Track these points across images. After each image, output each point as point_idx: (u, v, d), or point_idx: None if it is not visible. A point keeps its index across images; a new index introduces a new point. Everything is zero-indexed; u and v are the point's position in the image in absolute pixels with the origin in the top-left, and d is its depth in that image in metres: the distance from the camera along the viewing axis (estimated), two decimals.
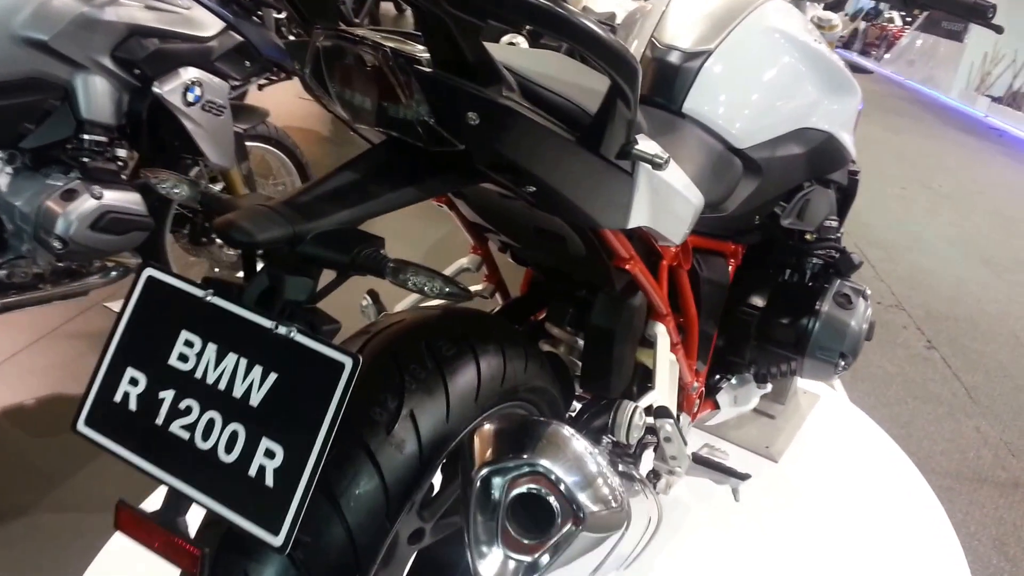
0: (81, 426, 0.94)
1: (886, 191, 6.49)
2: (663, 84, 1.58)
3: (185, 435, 0.89)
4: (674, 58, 1.61)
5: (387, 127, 1.01)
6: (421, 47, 0.98)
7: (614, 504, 1.03)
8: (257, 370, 0.88)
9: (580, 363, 1.53)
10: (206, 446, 0.88)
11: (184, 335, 0.92)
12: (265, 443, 0.86)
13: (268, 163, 3.04)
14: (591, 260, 1.29)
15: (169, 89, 2.27)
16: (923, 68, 12.93)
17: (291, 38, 2.94)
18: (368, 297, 1.53)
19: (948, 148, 9.37)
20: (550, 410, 1.35)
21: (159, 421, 0.90)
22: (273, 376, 0.88)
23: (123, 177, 2.32)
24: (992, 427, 3.38)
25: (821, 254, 1.88)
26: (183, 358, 0.91)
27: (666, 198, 1.21)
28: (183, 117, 2.33)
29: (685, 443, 1.40)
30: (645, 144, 1.07)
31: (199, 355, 0.90)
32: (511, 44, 4.47)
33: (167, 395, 0.90)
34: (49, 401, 2.45)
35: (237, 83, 2.55)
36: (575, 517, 1.00)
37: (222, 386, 0.89)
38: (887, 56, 13.23)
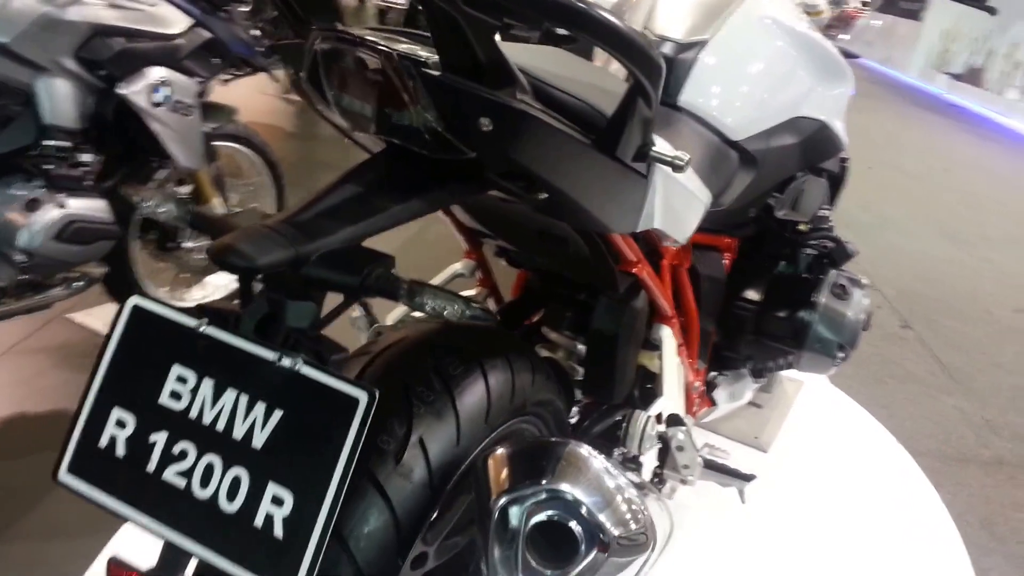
0: (63, 475, 0.84)
1: (852, 171, 6.49)
2: None
3: (181, 482, 0.80)
4: (668, 49, 1.54)
5: (389, 134, 0.93)
6: (426, 49, 0.90)
7: (638, 526, 0.97)
8: (260, 407, 0.79)
9: (579, 368, 1.47)
10: (205, 494, 0.79)
11: (176, 370, 0.83)
12: (272, 489, 0.77)
13: (237, 163, 2.93)
14: (595, 263, 1.22)
15: (135, 90, 2.15)
16: (882, 48, 12.98)
17: (257, 32, 2.83)
18: (359, 307, 1.45)
19: (911, 126, 9.42)
20: (555, 421, 1.28)
21: (151, 467, 0.81)
22: (278, 414, 0.79)
23: (88, 184, 2.20)
24: (972, 405, 3.37)
25: (815, 244, 1.83)
26: (176, 396, 0.82)
27: (678, 198, 1.14)
28: (150, 119, 2.22)
29: (696, 450, 1.34)
30: (662, 145, 0.99)
31: (194, 392, 0.81)
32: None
33: (159, 438, 0.81)
34: (11, 421, 2.33)
35: (204, 81, 2.44)
36: (600, 543, 0.93)
37: (221, 426, 0.80)
38: (845, 37, 13.25)
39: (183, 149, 2.36)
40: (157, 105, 2.23)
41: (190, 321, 0.84)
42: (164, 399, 0.82)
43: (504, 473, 0.96)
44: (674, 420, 1.29)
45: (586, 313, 1.39)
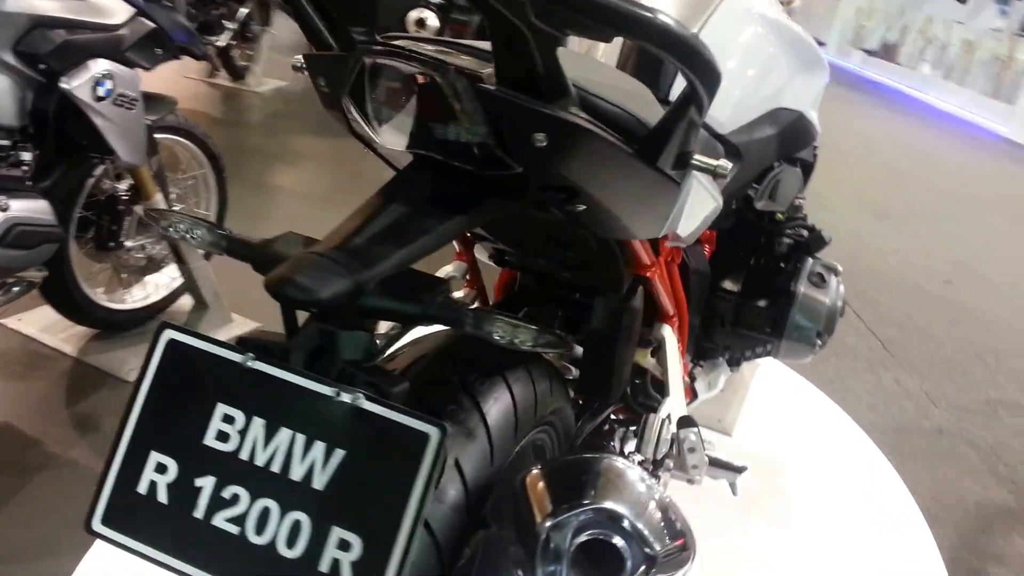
0: (98, 526, 0.78)
1: None
2: (648, 72, 1.49)
3: (234, 529, 0.75)
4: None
5: (432, 149, 0.89)
6: (473, 60, 0.86)
7: (681, 537, 0.96)
8: (319, 447, 0.75)
9: (572, 368, 1.45)
10: (262, 540, 0.74)
11: (221, 409, 0.77)
12: (337, 533, 0.73)
13: (177, 155, 2.81)
14: (605, 266, 1.21)
15: (78, 84, 2.03)
16: (801, 26, 13.20)
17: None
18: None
19: (829, 102, 9.58)
20: (564, 428, 1.27)
21: (198, 514, 0.75)
22: (339, 453, 0.74)
23: (28, 184, 2.07)
24: (911, 378, 3.49)
25: (792, 233, 1.85)
26: (223, 437, 0.76)
27: (698, 202, 1.13)
28: (93, 113, 2.10)
29: (704, 449, 1.34)
30: (701, 154, 0.98)
31: (243, 433, 0.76)
32: (420, 20, 4.30)
33: (206, 483, 0.76)
34: None
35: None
36: (647, 559, 0.92)
37: (276, 468, 0.75)
38: None
39: (126, 144, 2.25)
40: (100, 99, 2.11)
41: (235, 355, 0.78)
42: (210, 441, 0.77)
43: (545, 494, 0.94)
44: (686, 422, 1.29)
45: (579, 313, 1.37)
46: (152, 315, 2.77)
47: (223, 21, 5.10)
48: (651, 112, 1.01)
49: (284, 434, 0.76)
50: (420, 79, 0.84)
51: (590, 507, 0.92)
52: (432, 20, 4.20)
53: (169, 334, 0.80)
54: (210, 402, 0.78)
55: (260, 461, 0.76)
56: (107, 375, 2.47)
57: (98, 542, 1.61)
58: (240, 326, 2.87)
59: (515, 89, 0.83)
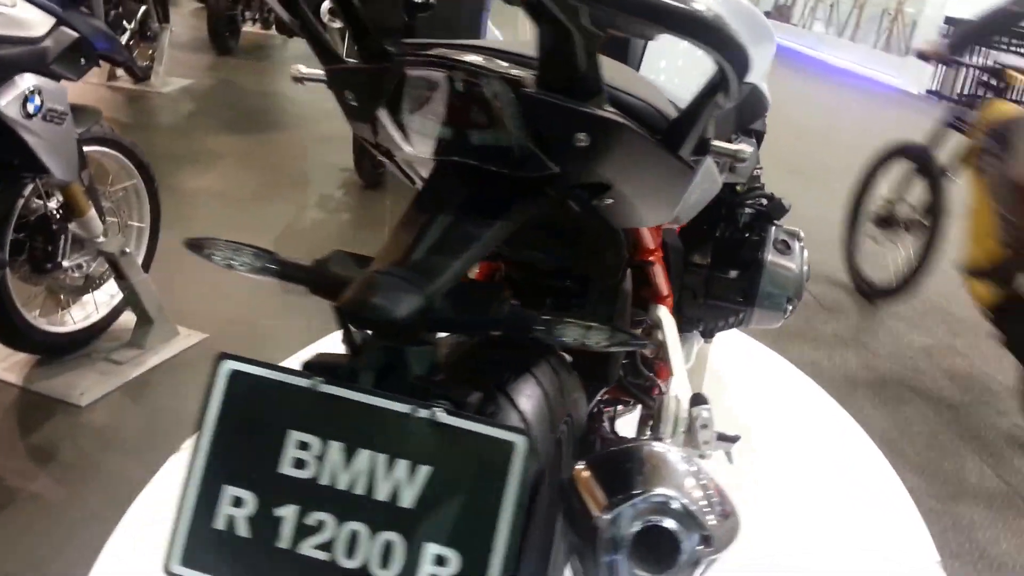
0: (176, 567, 0.75)
1: None
2: (612, 53, 1.51)
3: (323, 556, 0.74)
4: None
5: (466, 155, 0.89)
6: (507, 63, 0.86)
7: (729, 511, 0.99)
8: (402, 465, 0.74)
9: (566, 356, 1.47)
10: (354, 564, 0.73)
11: (295, 436, 0.76)
12: (432, 549, 0.72)
13: (105, 167, 2.71)
14: (609, 253, 1.22)
15: (7, 101, 1.94)
16: None
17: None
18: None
19: None
20: (577, 417, 1.28)
21: (283, 544, 0.74)
22: (424, 470, 0.74)
23: None
24: (847, 331, 3.63)
25: (752, 203, 1.90)
26: (300, 464, 0.75)
27: (704, 185, 1.15)
28: (24, 131, 2.01)
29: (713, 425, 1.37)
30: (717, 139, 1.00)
31: (320, 458, 0.75)
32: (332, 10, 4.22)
33: (288, 512, 0.74)
34: None
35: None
36: (703, 539, 0.95)
37: (359, 490, 0.74)
38: None
39: (59, 161, 2.17)
40: (30, 116, 2.02)
41: (303, 380, 0.77)
42: (286, 469, 0.75)
43: (597, 488, 0.95)
44: (698, 399, 1.32)
45: (568, 300, 1.38)
46: (95, 335, 2.68)
47: (122, 21, 4.92)
48: (662, 101, 1.02)
49: (364, 455, 0.75)
50: (460, 87, 0.83)
51: (643, 496, 0.93)
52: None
53: (229, 365, 0.78)
54: (282, 430, 0.76)
55: (342, 485, 0.75)
56: (57, 401, 2.38)
57: None
58: (186, 338, 2.80)
59: (553, 91, 0.84)
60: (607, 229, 1.14)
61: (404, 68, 0.84)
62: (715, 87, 0.91)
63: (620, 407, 1.68)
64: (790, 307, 1.85)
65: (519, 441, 0.74)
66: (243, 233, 3.57)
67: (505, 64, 0.86)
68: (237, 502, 0.76)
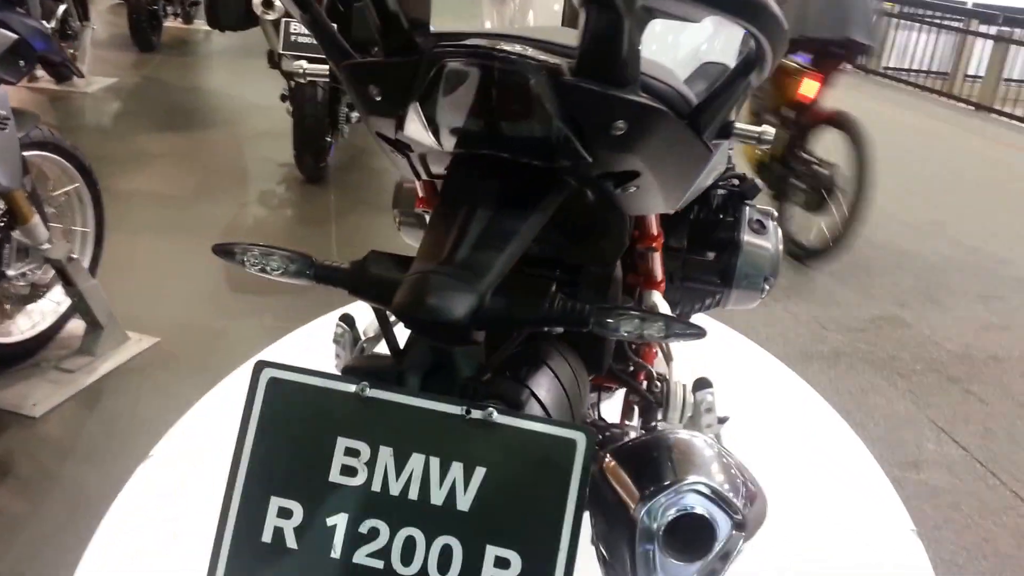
0: None
1: None
2: None
3: (378, 563, 0.71)
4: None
5: (497, 148, 0.86)
6: (541, 52, 0.84)
7: (756, 494, 0.99)
8: (456, 468, 0.72)
9: None
10: (410, 571, 0.70)
11: (343, 443, 0.73)
12: (492, 551, 0.70)
13: (45, 172, 2.61)
14: (610, 242, 1.21)
15: None
16: None
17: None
18: (343, 324, 1.33)
19: None
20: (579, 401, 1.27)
21: (335, 554, 0.71)
22: (480, 471, 0.72)
23: None
24: (798, 306, 3.70)
25: (725, 184, 1.91)
26: (349, 471, 0.72)
27: (716, 169, 1.15)
28: None
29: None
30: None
31: (371, 464, 0.72)
32: (267, 1, 4.10)
33: (339, 520, 0.71)
34: None
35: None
36: (736, 524, 0.94)
37: (413, 495, 0.72)
38: None
39: (2, 168, 2.08)
40: None
41: (348, 385, 0.74)
42: (335, 477, 0.72)
43: (628, 479, 0.94)
44: (703, 383, 1.32)
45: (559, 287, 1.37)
46: (43, 344, 2.58)
47: (41, 20, 4.72)
48: (678, 82, 1.01)
49: (416, 459, 0.72)
50: (499, 78, 0.81)
51: (677, 484, 0.93)
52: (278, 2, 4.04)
53: (269, 373, 0.74)
54: (329, 437, 0.73)
55: (395, 491, 0.72)
56: (9, 413, 2.30)
57: None
58: (137, 343, 2.72)
59: (592, 78, 0.82)
60: (616, 217, 1.12)
61: (442, 60, 0.81)
62: (749, 65, 0.90)
63: (603, 393, 1.68)
64: (767, 287, 1.86)
65: (580, 438, 0.73)
66: (186, 235, 3.48)
67: (543, 53, 0.84)
68: (285, 513, 0.73)
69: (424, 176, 1.04)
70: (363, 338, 1.32)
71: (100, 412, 2.39)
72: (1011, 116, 8.65)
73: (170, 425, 2.27)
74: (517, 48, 0.81)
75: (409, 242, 1.85)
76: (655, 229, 1.21)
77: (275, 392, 0.75)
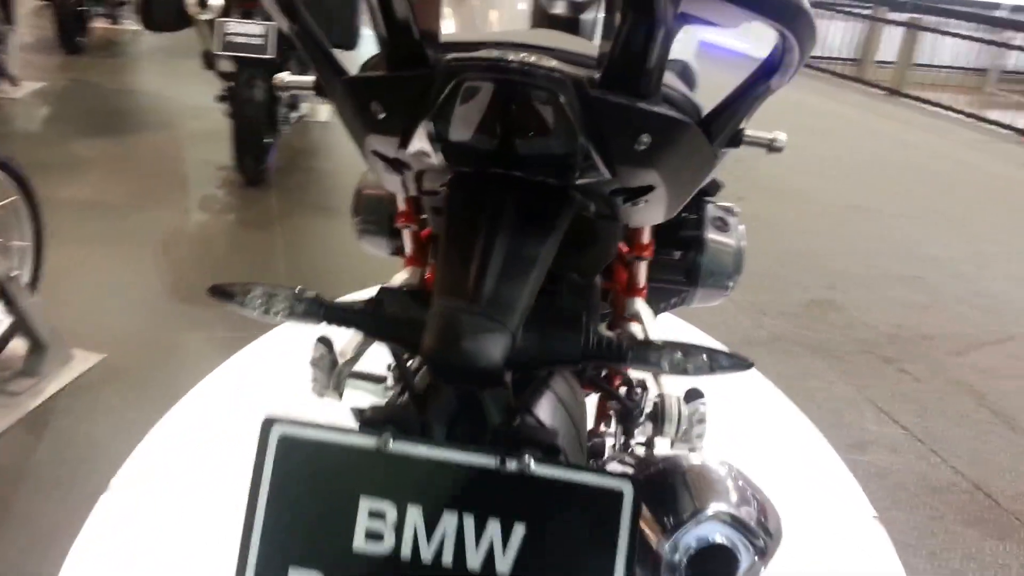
0: None
1: None
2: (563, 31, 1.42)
3: None
4: (561, 9, 1.45)
5: (511, 166, 0.77)
6: (558, 62, 0.75)
7: (774, 516, 0.93)
8: (493, 526, 0.63)
9: None
10: None
11: (366, 504, 0.63)
12: None
13: None
14: (600, 252, 1.13)
15: None
16: None
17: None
18: (322, 345, 1.21)
19: None
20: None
21: None
22: (520, 529, 0.63)
23: None
24: (737, 294, 3.69)
25: None
26: (375, 536, 0.63)
27: (713, 176, 1.07)
28: None
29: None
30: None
31: (398, 527, 0.63)
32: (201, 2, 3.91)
33: None
34: None
35: None
36: (758, 551, 0.88)
37: (447, 560, 0.63)
38: None
39: None
40: None
41: (368, 440, 0.64)
42: (360, 543, 0.63)
43: (648, 513, 0.87)
44: (695, 394, 1.25)
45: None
46: None
47: None
48: (683, 87, 0.94)
49: (448, 519, 0.63)
50: (520, 93, 0.72)
51: (699, 516, 0.86)
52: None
53: (280, 430, 0.64)
54: (351, 498, 0.64)
55: (427, 556, 0.63)
56: None
57: None
58: (83, 361, 2.56)
59: (618, 90, 0.73)
60: (611, 228, 1.05)
61: (461, 75, 0.71)
62: (771, 69, 0.82)
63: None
64: (731, 284, 1.81)
65: (626, 489, 0.65)
66: (126, 244, 3.29)
67: (565, 64, 0.75)
68: None
69: (413, 192, 0.94)
70: (341, 361, 1.21)
71: (50, 436, 2.22)
72: (922, 100, 8.84)
73: (127, 451, 2.12)
74: (540, 60, 0.72)
75: (370, 251, 1.74)
76: (647, 238, 1.14)
77: (287, 451, 0.65)
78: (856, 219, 4.85)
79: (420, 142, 0.75)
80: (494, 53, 0.72)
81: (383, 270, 2.16)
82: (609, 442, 1.43)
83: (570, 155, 0.74)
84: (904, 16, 9.76)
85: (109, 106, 5.60)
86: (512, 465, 0.65)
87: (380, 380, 1.32)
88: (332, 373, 1.17)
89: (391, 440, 0.65)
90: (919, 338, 3.42)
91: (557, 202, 0.81)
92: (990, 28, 9.80)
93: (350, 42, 3.52)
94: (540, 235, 0.76)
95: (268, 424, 0.64)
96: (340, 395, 1.17)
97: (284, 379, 2.41)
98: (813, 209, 4.84)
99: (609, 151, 0.75)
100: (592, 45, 0.95)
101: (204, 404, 2.35)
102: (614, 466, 1.08)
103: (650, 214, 0.94)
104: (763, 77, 0.82)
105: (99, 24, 7.40)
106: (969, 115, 8.24)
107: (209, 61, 3.99)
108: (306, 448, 0.65)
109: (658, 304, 1.88)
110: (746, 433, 2.47)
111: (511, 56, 0.71)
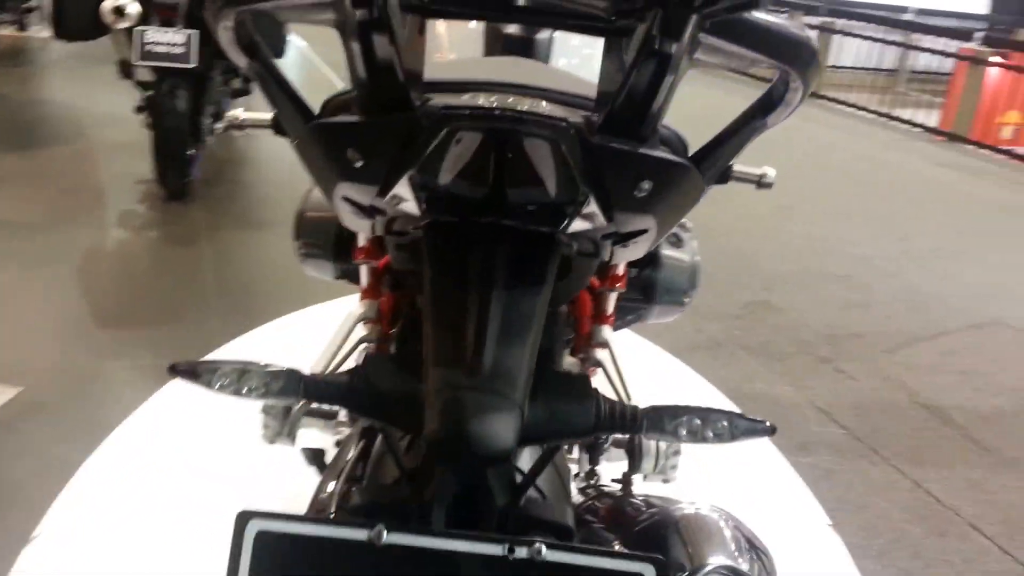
0: None
1: None
2: (519, 54, 1.35)
3: None
4: (515, 29, 1.39)
5: (502, 216, 0.70)
6: (550, 106, 0.68)
7: (767, 558, 0.89)
8: None
9: None
10: None
11: None
12: None
13: None
14: (574, 285, 1.07)
15: None
16: None
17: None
18: None
19: None
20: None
21: None
22: None
23: None
24: None
25: None
26: None
27: None
28: None
29: None
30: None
31: None
32: (117, 8, 3.72)
33: None
34: None
35: None
36: None
37: None
38: None
39: None
40: None
41: (359, 532, 0.56)
42: None
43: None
44: None
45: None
46: None
47: None
48: (669, 124, 0.88)
49: None
50: (517, 141, 0.64)
51: (698, 573, 0.81)
52: (132, 7, 3.67)
53: (257, 525, 0.55)
54: None
55: None
56: None
57: None
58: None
59: (618, 135, 0.67)
60: (588, 264, 0.99)
61: (450, 122, 0.63)
62: (769, 106, 0.77)
63: None
64: (687, 300, 1.77)
65: (647, 571, 0.58)
66: (42, 266, 3.10)
67: (560, 109, 0.68)
68: None
69: (380, 232, 0.86)
70: (296, 407, 1.12)
71: None
72: (840, 101, 9.04)
73: (50, 497, 1.97)
74: (537, 107, 0.65)
75: (313, 275, 1.65)
76: (622, 271, 1.08)
77: (265, 548, 0.56)
78: (785, 220, 4.91)
79: (404, 191, 0.67)
80: (491, 100, 0.65)
81: (319, 287, 2.06)
82: (573, 468, 1.37)
83: (566, 204, 0.68)
84: (817, 20, 10.00)
85: (19, 118, 5.32)
86: (522, 552, 0.57)
87: (331, 416, 1.23)
88: (286, 420, 1.07)
89: (384, 532, 0.57)
90: (853, 337, 3.46)
91: (546, 249, 0.74)
92: (902, 32, 10.11)
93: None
94: (534, 289, 0.70)
95: (244, 519, 0.56)
96: (293, 441, 1.08)
97: (219, 412, 2.28)
98: (742, 211, 4.88)
99: (608, 198, 0.68)
100: (577, 79, 0.89)
101: (132, 442, 2.21)
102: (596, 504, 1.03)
103: (636, 252, 0.89)
104: (760, 114, 0.77)
105: (5, 32, 7.05)
106: (883, 115, 8.47)
107: (126, 71, 3.81)
108: (286, 543, 0.56)
109: (615, 322, 1.84)
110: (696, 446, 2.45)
111: (507, 102, 0.64)
